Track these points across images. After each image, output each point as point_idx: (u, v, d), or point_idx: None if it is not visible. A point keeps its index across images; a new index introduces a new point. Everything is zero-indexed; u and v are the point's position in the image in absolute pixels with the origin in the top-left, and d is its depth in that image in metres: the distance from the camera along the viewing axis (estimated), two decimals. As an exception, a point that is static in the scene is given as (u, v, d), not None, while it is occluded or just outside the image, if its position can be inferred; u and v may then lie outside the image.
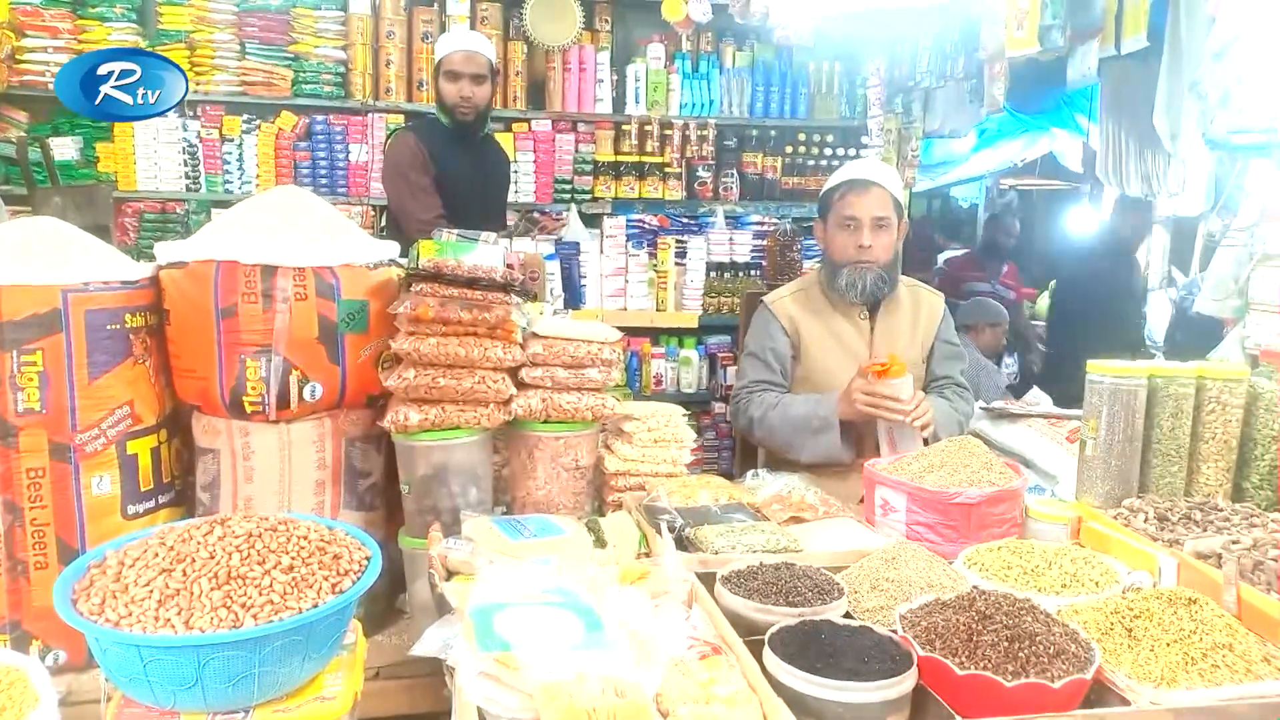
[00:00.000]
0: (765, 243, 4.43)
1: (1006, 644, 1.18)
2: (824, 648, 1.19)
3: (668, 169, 4.97)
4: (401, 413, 1.82)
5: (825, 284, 2.59)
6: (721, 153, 5.07)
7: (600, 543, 1.72)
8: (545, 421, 1.90)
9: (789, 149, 5.19)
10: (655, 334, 4.45)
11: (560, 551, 1.62)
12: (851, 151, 5.22)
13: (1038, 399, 2.91)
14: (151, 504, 1.80)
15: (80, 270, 1.70)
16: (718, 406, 4.33)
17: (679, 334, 4.42)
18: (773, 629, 1.23)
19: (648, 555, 1.70)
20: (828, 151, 5.23)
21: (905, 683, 1.15)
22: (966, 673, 1.14)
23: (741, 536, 1.65)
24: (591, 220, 4.53)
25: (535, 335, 1.90)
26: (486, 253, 2.09)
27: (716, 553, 1.59)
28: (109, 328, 1.70)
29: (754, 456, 3.08)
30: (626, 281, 4.07)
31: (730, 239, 4.44)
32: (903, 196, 2.62)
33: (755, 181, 5.14)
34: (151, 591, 1.10)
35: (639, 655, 1.12)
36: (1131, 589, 1.45)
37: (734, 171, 5.07)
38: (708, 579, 1.46)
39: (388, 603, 1.97)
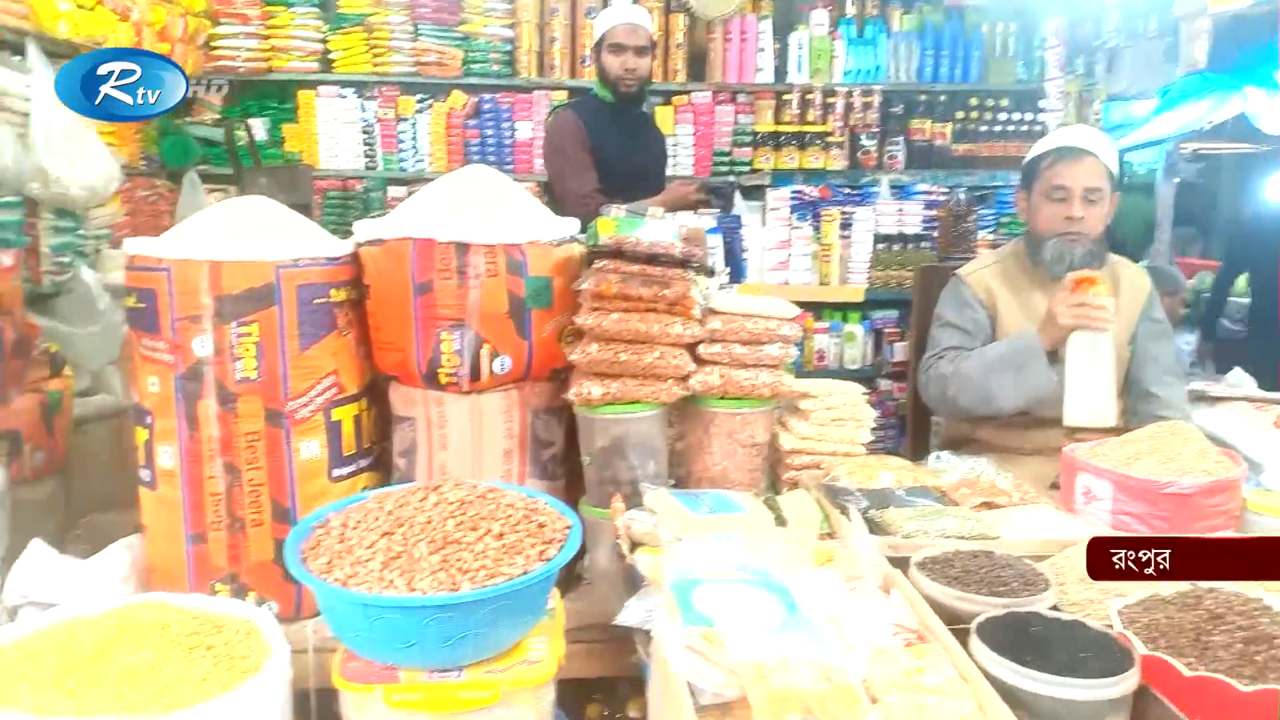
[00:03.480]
0: (937, 213, 4.27)
1: (1241, 645, 1.10)
2: (1035, 640, 1.15)
3: (830, 138, 4.86)
4: (585, 386, 1.85)
5: (1027, 257, 2.46)
6: (887, 120, 4.92)
7: (780, 521, 1.71)
8: (722, 398, 1.90)
9: (960, 115, 4.98)
10: (818, 308, 4.37)
11: (741, 528, 1.62)
12: (1028, 116, 4.97)
13: (1240, 381, 2.71)
14: (353, 468, 1.90)
15: (290, 247, 1.79)
16: (883, 384, 4.23)
17: (843, 308, 4.33)
18: (980, 619, 1.19)
19: (830, 536, 1.68)
20: (1002, 116, 4.99)
21: (1127, 682, 1.09)
22: (1196, 674, 1.07)
23: (932, 521, 1.60)
24: (749, 193, 4.49)
25: (713, 311, 1.90)
26: (663, 229, 2.09)
27: (907, 537, 1.55)
28: (316, 302, 1.80)
29: (925, 437, 2.99)
30: (789, 255, 4.02)
31: (900, 210, 4.30)
32: (1116, 166, 2.46)
33: (923, 149, 4.96)
34: (375, 553, 1.16)
35: (840, 640, 1.11)
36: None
37: (900, 139, 4.92)
38: (897, 564, 1.42)
39: (569, 569, 2.02)
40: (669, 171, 4.41)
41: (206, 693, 1.06)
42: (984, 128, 5.00)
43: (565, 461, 2.07)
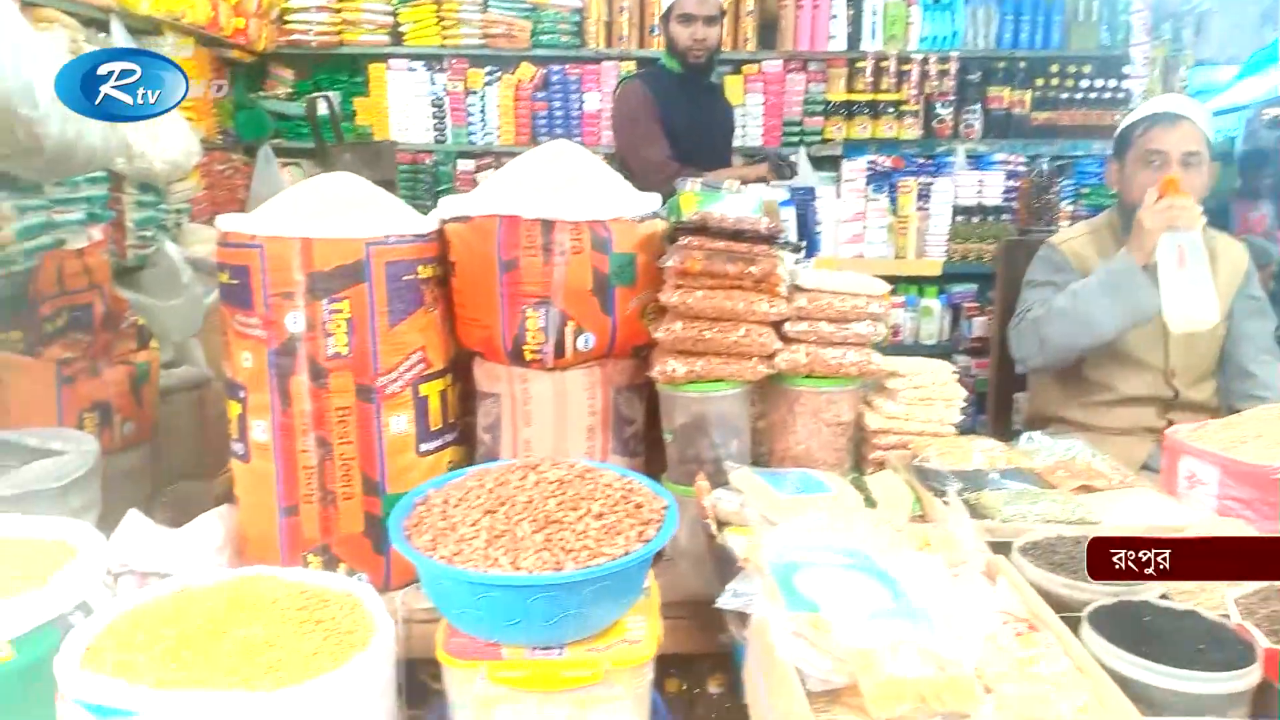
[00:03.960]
0: (1018, 184, 4.15)
1: (1369, 642, 1.06)
2: (1150, 631, 1.11)
3: (904, 107, 4.75)
4: (669, 364, 1.84)
5: (1120, 228, 2.39)
6: (964, 88, 4.79)
7: (869, 502, 1.69)
8: (808, 376, 1.88)
9: (1039, 82, 4.83)
10: (894, 282, 4.27)
11: (830, 509, 1.60)
12: (1111, 83, 4.80)
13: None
14: (439, 442, 1.91)
15: (378, 224, 1.80)
16: (960, 359, 4.15)
17: (919, 282, 4.25)
18: (1091, 607, 1.16)
19: (921, 519, 1.65)
20: (1084, 84, 4.83)
21: (1251, 675, 1.06)
22: (1324, 672, 1.03)
23: (1031, 505, 1.56)
24: (819, 163, 4.42)
25: (800, 288, 1.87)
26: (744, 203, 2.07)
27: (1006, 521, 1.52)
28: (404, 278, 1.81)
29: (1006, 416, 2.93)
30: (864, 227, 3.94)
31: (980, 181, 4.19)
32: (1211, 134, 2.37)
33: (1000, 118, 4.82)
34: (479, 532, 1.17)
35: (950, 628, 1.09)
36: None
37: (977, 107, 4.78)
38: (996, 550, 1.39)
39: (651, 547, 2.03)
40: (737, 143, 4.35)
41: (317, 668, 1.08)
42: (1064, 95, 4.84)
43: (645, 439, 2.07)
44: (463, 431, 2.03)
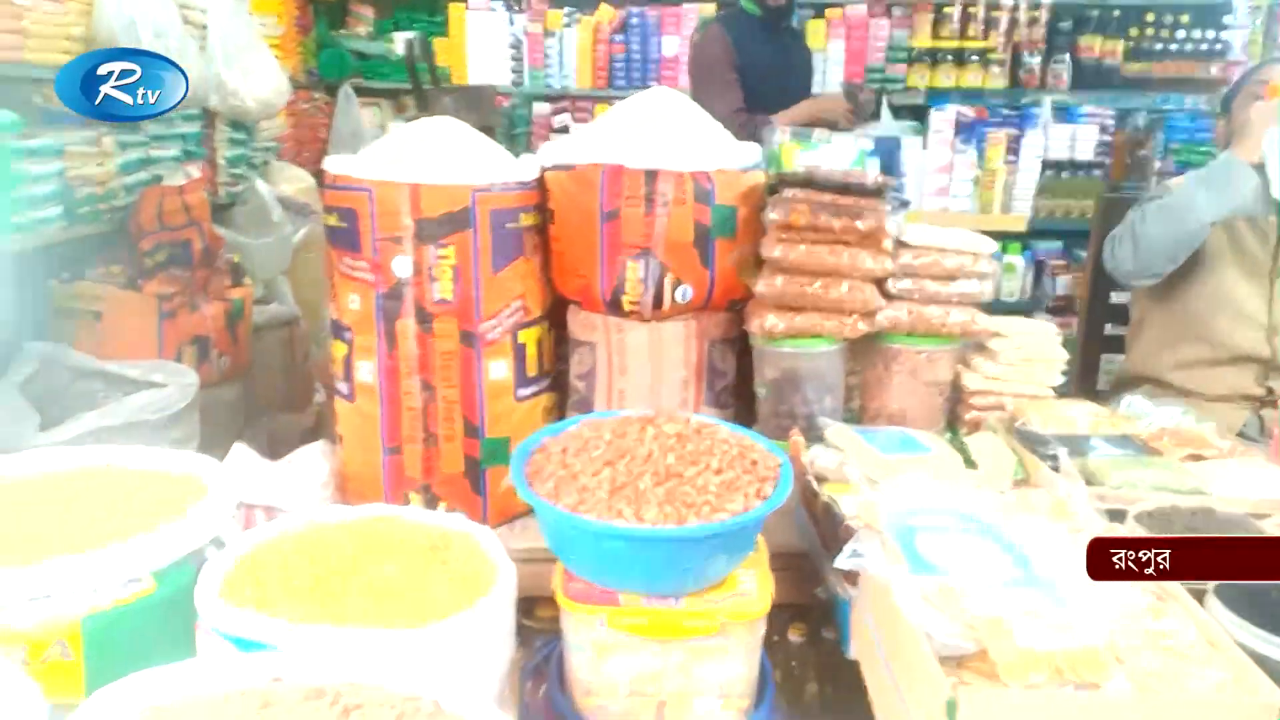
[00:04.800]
0: (1109, 139, 4.02)
1: None
2: (1278, 604, 1.10)
3: (991, 55, 4.60)
4: (767, 318, 1.84)
5: None
6: (1054, 36, 4.61)
7: (969, 463, 1.67)
8: (908, 334, 1.86)
9: (1134, 31, 4.63)
10: (976, 237, 4.19)
11: (931, 469, 1.60)
12: (1210, 33, 4.59)
13: None
14: (535, 389, 1.94)
15: (483, 171, 1.81)
16: (1041, 318, 4.06)
17: (1003, 238, 4.16)
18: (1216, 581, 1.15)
19: (1024, 483, 1.64)
20: (1180, 34, 4.62)
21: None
22: None
23: (1141, 472, 1.54)
24: (899, 112, 4.30)
25: (905, 244, 1.84)
26: (843, 154, 2.03)
27: (1116, 489, 1.50)
28: (507, 226, 1.82)
29: (1093, 378, 2.88)
30: (951, 180, 3.85)
31: (1072, 134, 4.06)
32: None
33: (1090, 68, 4.64)
34: (600, 482, 1.19)
35: (1078, 597, 1.09)
36: None
37: (1066, 57, 4.60)
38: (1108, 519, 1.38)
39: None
40: (816, 89, 4.26)
41: (447, 609, 1.12)
42: (1159, 46, 4.64)
43: (736, 392, 2.07)
44: (556, 378, 2.06)
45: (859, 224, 1.76)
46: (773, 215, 1.79)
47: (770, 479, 1.25)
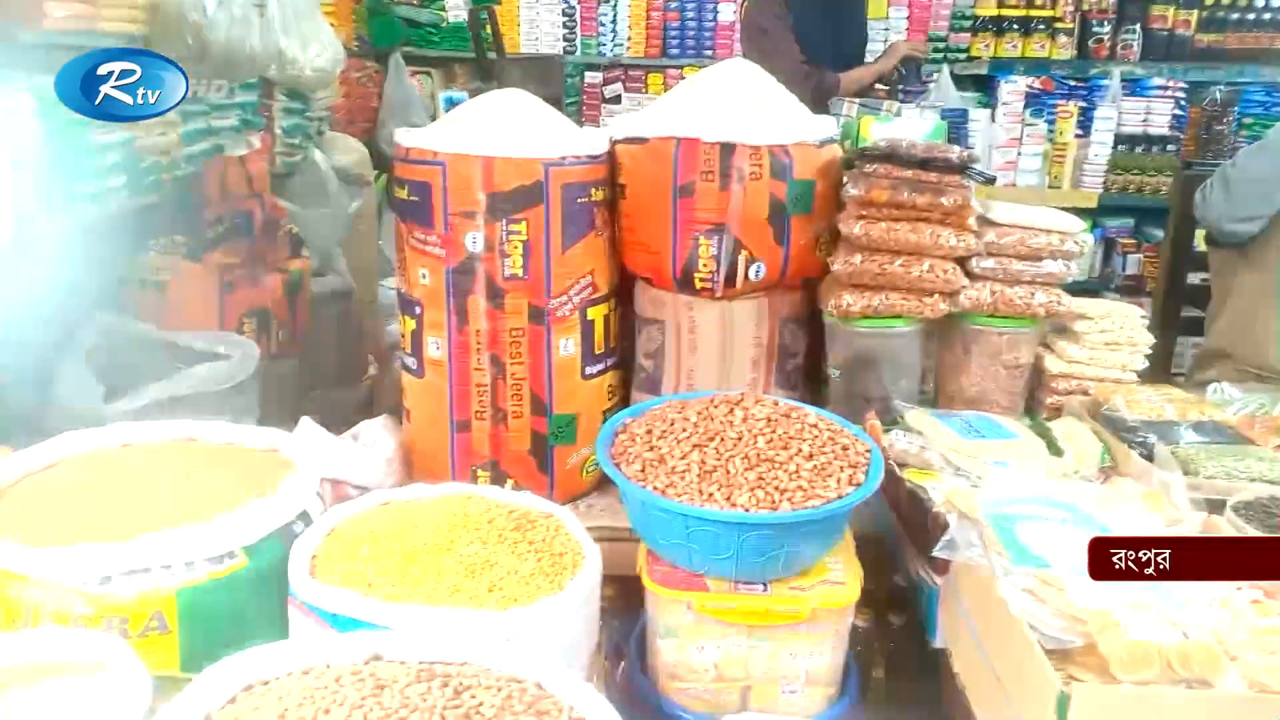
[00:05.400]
0: (1184, 113, 3.88)
1: None
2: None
3: (1058, 24, 4.45)
4: (844, 297, 1.79)
5: None
6: (1124, 5, 4.46)
7: (1054, 450, 1.63)
8: (990, 315, 1.81)
9: (1208, 1, 4.46)
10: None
11: (1015, 456, 1.56)
12: (1289, 1, 4.41)
13: None
14: (602, 366, 1.92)
15: (555, 144, 1.78)
16: (1110, 297, 3.96)
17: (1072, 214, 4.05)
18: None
19: (1111, 470, 1.59)
20: (1258, 3, 4.44)
21: None
22: None
23: (1235, 462, 1.49)
24: (960, 83, 4.19)
25: (989, 222, 1.79)
26: (919, 127, 1.98)
27: (1210, 478, 1.45)
28: (579, 201, 1.79)
29: (1167, 362, 2.80)
30: (1019, 154, 3.74)
31: (1148, 108, 3.92)
32: None
33: (1162, 39, 4.48)
34: (690, 465, 1.17)
35: (1182, 592, 1.05)
36: None
37: (1136, 27, 4.45)
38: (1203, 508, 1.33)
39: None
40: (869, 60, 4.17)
41: (537, 589, 1.10)
42: (1234, 15, 4.47)
43: (805, 373, 2.04)
44: (621, 356, 2.03)
45: (943, 200, 1.71)
46: (853, 191, 1.74)
47: (861, 465, 1.22)
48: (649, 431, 1.27)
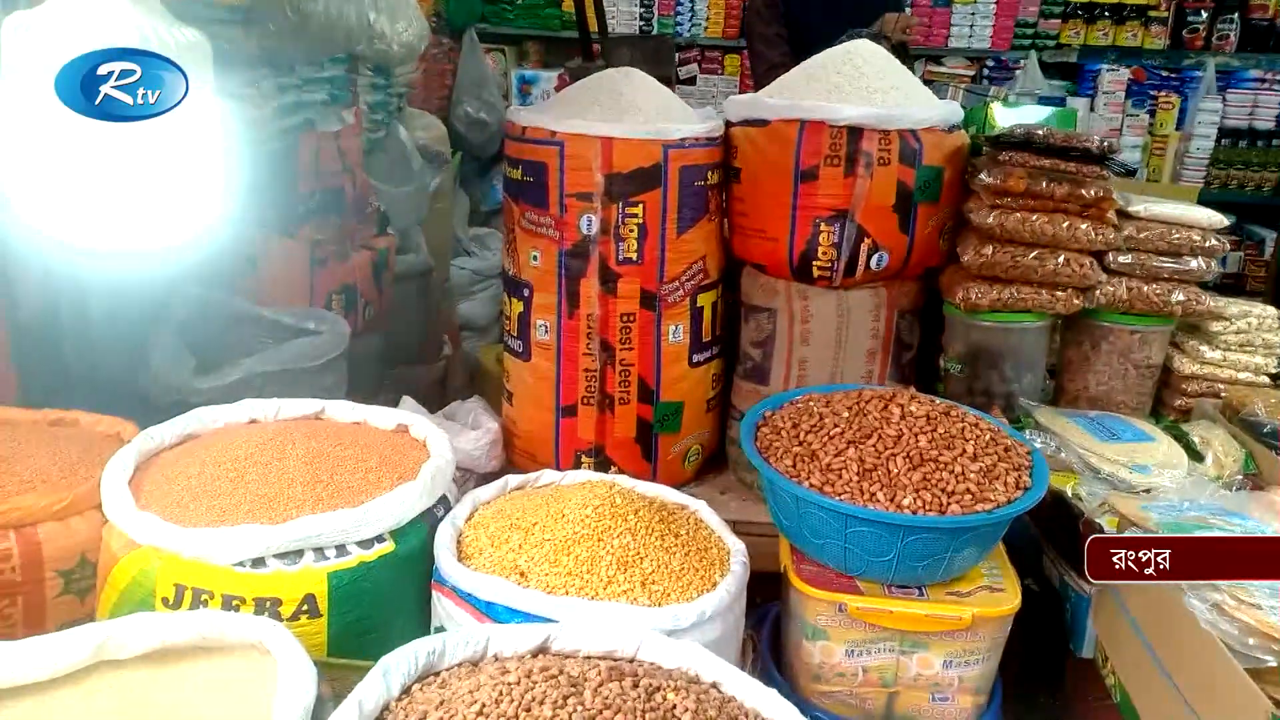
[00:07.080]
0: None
1: None
2: None
3: (1152, 12, 4.29)
4: (972, 290, 1.73)
5: None
6: (1224, -6, 4.29)
7: (1193, 454, 1.56)
8: (1124, 313, 1.73)
9: (1313, -10, 4.28)
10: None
11: (1155, 460, 1.49)
12: (1400, -8, 4.21)
13: None
14: (708, 354, 1.87)
15: (673, 125, 1.73)
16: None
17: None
18: None
19: (1257, 478, 1.52)
20: (1365, -8, 4.26)
21: None
22: None
23: (1402, 476, 1.41)
24: (1047, 71, 4.06)
25: (1128, 216, 1.71)
26: (1035, 112, 1.90)
27: (1376, 492, 1.37)
28: (696, 184, 1.74)
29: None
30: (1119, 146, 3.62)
31: (1254, 101, 3.76)
32: None
33: (1261, 29, 4.29)
34: (846, 463, 1.12)
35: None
36: None
37: (1235, 16, 4.27)
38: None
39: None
40: (961, 44, 4.05)
41: (689, 585, 1.07)
42: (1339, 6, 4.28)
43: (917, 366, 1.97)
44: (724, 344, 1.98)
45: (1083, 192, 1.63)
46: (986, 179, 1.67)
47: (1025, 467, 1.16)
48: (794, 425, 1.22)
